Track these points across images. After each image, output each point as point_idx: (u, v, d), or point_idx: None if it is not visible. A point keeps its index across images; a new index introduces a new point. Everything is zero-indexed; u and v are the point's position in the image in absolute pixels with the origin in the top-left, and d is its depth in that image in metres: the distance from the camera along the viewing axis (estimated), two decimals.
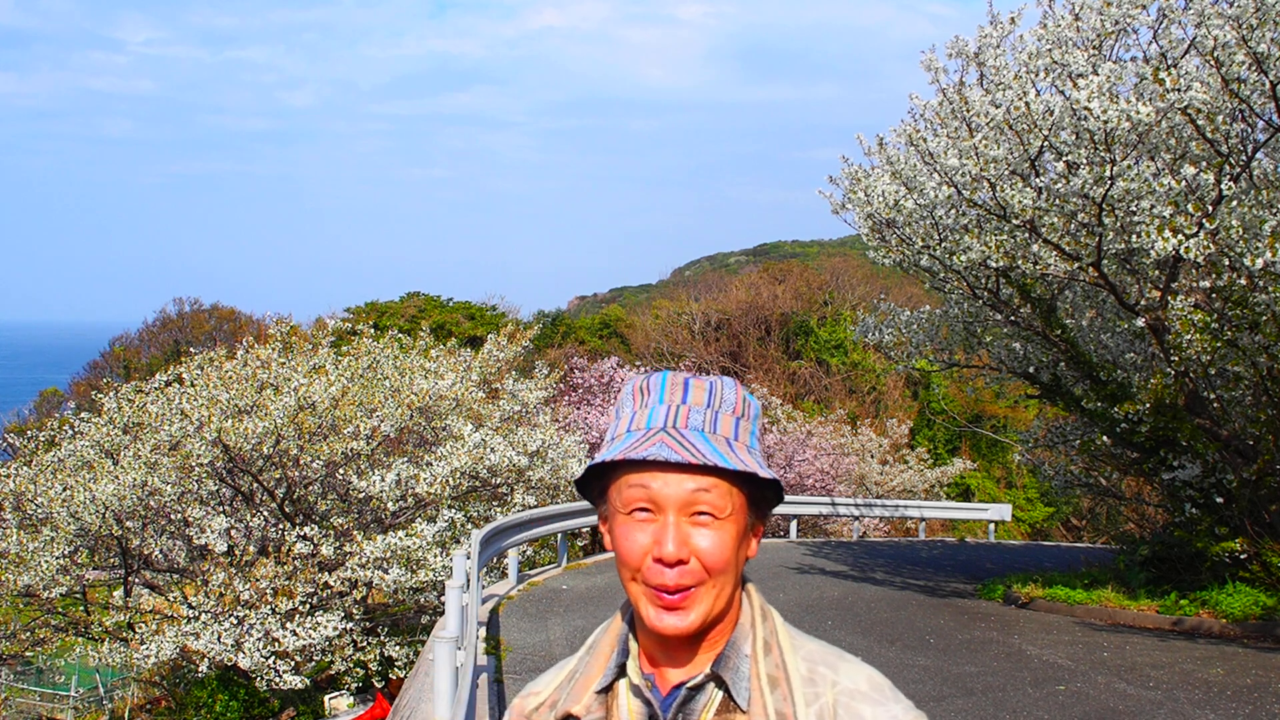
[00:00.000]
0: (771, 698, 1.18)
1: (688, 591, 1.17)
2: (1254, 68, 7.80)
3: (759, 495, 1.22)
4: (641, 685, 1.22)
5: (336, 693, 11.93)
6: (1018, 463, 23.76)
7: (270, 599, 10.88)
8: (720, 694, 1.20)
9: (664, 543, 1.16)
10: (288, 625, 10.77)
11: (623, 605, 1.30)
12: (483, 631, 8.74)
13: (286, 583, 11.00)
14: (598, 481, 1.25)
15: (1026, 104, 8.72)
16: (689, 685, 1.20)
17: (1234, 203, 8.27)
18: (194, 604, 11.08)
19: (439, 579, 11.26)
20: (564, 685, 1.27)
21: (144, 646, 10.84)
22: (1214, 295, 9.05)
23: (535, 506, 13.35)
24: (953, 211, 9.87)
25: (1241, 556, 9.63)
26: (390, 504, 12.16)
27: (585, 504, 13.62)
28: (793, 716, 1.17)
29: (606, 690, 1.24)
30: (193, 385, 12.61)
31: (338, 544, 11.48)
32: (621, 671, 1.24)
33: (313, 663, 11.84)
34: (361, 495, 12.33)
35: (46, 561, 11.64)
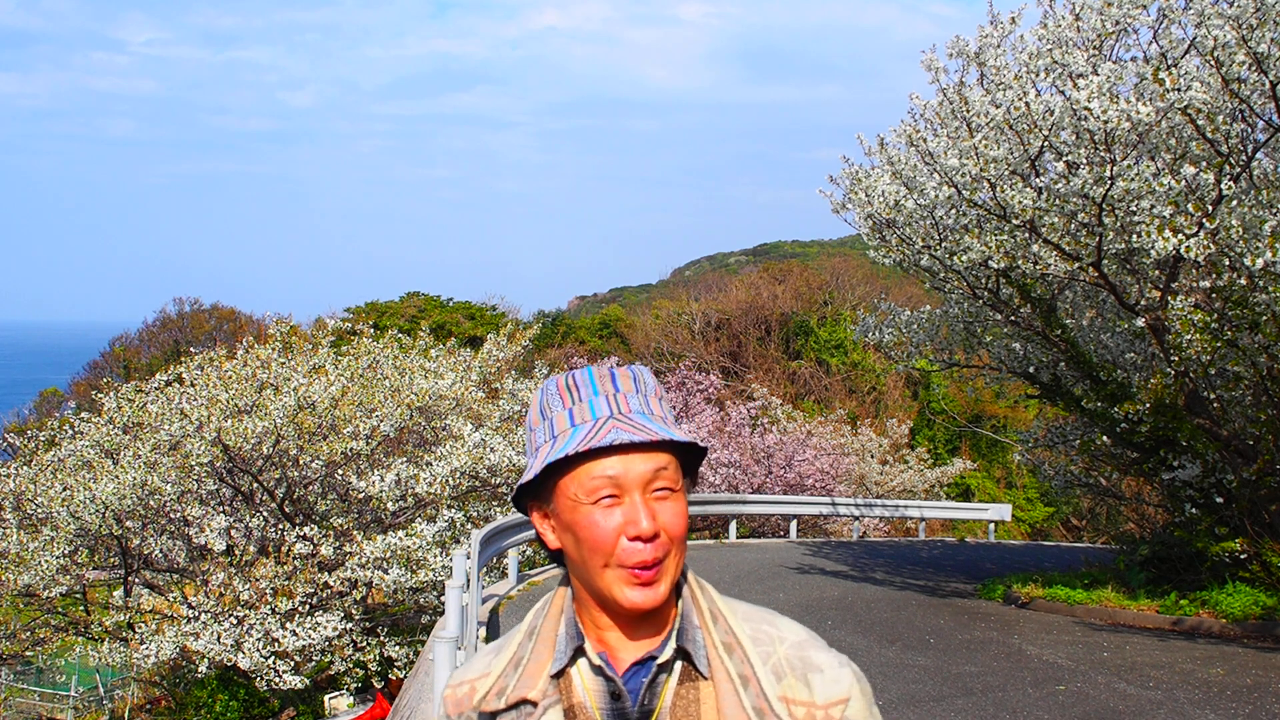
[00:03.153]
0: (730, 662, 1.26)
1: (659, 564, 1.23)
2: (1254, 68, 7.80)
3: (690, 465, 1.31)
4: (603, 665, 1.26)
5: (336, 693, 11.94)
6: (1018, 463, 23.76)
7: (270, 599, 10.88)
8: (680, 666, 1.26)
9: (638, 520, 1.22)
10: (288, 625, 10.77)
11: (560, 591, 1.33)
12: (483, 631, 8.74)
13: (286, 583, 11.00)
14: (540, 485, 1.28)
15: (1026, 104, 8.72)
16: (660, 660, 1.26)
17: (1234, 203, 8.27)
18: (194, 604, 11.08)
19: (439, 579, 11.26)
20: (509, 672, 1.30)
21: (144, 646, 10.85)
22: (1214, 295, 9.04)
23: None
24: (953, 211, 9.87)
25: (1241, 556, 9.63)
26: (390, 504, 12.16)
27: None
28: (753, 675, 1.25)
29: (558, 675, 1.28)
30: (193, 385, 12.62)
31: (338, 544, 11.48)
32: (578, 654, 1.28)
33: (313, 663, 11.84)
34: (361, 495, 12.33)
35: (46, 561, 11.65)
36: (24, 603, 13.07)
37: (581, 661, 1.28)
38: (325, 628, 10.79)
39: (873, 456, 24.45)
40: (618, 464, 1.23)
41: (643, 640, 1.27)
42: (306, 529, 11.46)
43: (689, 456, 1.30)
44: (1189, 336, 8.62)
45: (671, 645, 1.26)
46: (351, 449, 12.26)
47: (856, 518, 20.04)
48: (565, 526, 1.26)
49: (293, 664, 10.85)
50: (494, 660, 1.33)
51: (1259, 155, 8.68)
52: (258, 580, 10.92)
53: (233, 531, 12.04)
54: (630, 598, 1.22)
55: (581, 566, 1.26)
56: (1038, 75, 9.02)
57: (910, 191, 10.01)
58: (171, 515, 12.42)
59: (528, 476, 1.28)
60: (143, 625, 11.17)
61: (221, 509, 12.27)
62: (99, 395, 13.62)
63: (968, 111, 9.36)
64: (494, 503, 14.03)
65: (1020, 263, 9.62)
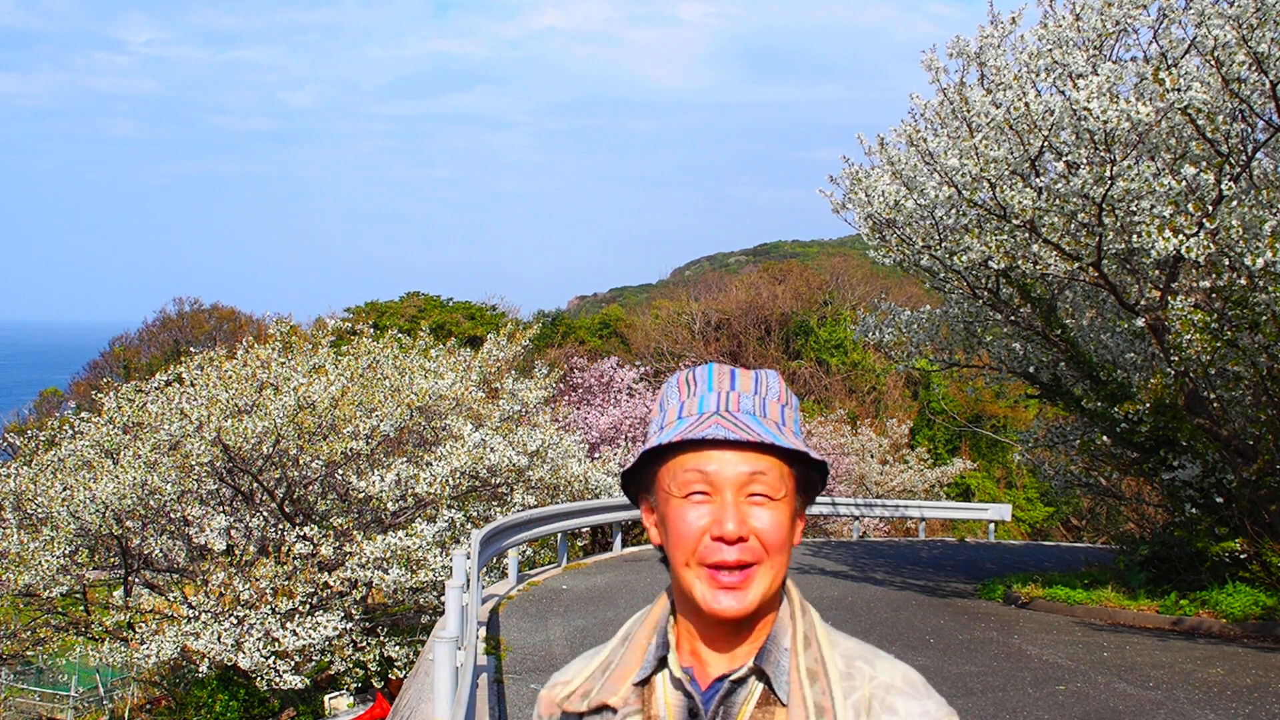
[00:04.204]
0: (811, 691, 1.19)
1: (748, 570, 1.18)
2: (1254, 68, 7.80)
3: (806, 479, 1.25)
4: (683, 678, 1.23)
5: (336, 693, 11.94)
6: (1018, 463, 23.76)
7: (270, 599, 10.88)
8: (760, 687, 1.21)
9: (724, 521, 1.18)
10: (288, 625, 10.77)
11: (661, 599, 1.30)
12: (483, 631, 8.74)
13: (286, 583, 11.00)
14: (645, 472, 1.27)
15: (1027, 104, 8.72)
16: (732, 678, 1.21)
17: (1234, 203, 8.27)
18: (194, 604, 11.08)
19: (439, 579, 11.26)
20: (597, 675, 1.28)
21: (144, 646, 10.85)
22: (1214, 295, 9.04)
23: (535, 506, 13.35)
24: (953, 211, 9.86)
25: (1241, 556, 9.63)
26: (390, 504, 12.16)
27: (585, 504, 13.61)
28: (831, 709, 1.18)
29: (643, 683, 1.25)
30: (193, 385, 12.61)
31: (338, 544, 11.48)
32: (662, 664, 1.25)
33: (312, 663, 11.84)
34: (361, 495, 12.33)
35: (46, 561, 11.64)
36: (24, 603, 13.07)
37: (666, 672, 1.25)
38: (325, 628, 10.79)
39: (873, 456, 24.46)
40: (713, 460, 1.19)
41: (733, 653, 1.23)
42: (306, 529, 11.46)
43: (807, 471, 1.24)
44: (1189, 336, 8.62)
45: (749, 664, 1.22)
46: (351, 449, 12.26)
47: (856, 518, 20.05)
48: (660, 519, 1.24)
49: (293, 664, 10.85)
50: (588, 662, 1.31)
51: (1259, 155, 8.68)
52: (258, 580, 10.92)
53: (233, 531, 12.04)
54: (710, 600, 1.19)
55: (670, 562, 1.23)
56: (1038, 75, 9.03)
57: (910, 191, 10.01)
58: (171, 515, 12.42)
59: (629, 465, 1.27)
60: (143, 625, 11.17)
61: (221, 509, 12.27)
62: (99, 395, 13.61)
63: (968, 111, 9.36)
64: (494, 503, 14.03)
65: (1020, 263, 9.62)
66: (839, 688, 1.20)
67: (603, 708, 1.25)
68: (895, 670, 1.23)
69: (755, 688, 1.21)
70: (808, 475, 1.25)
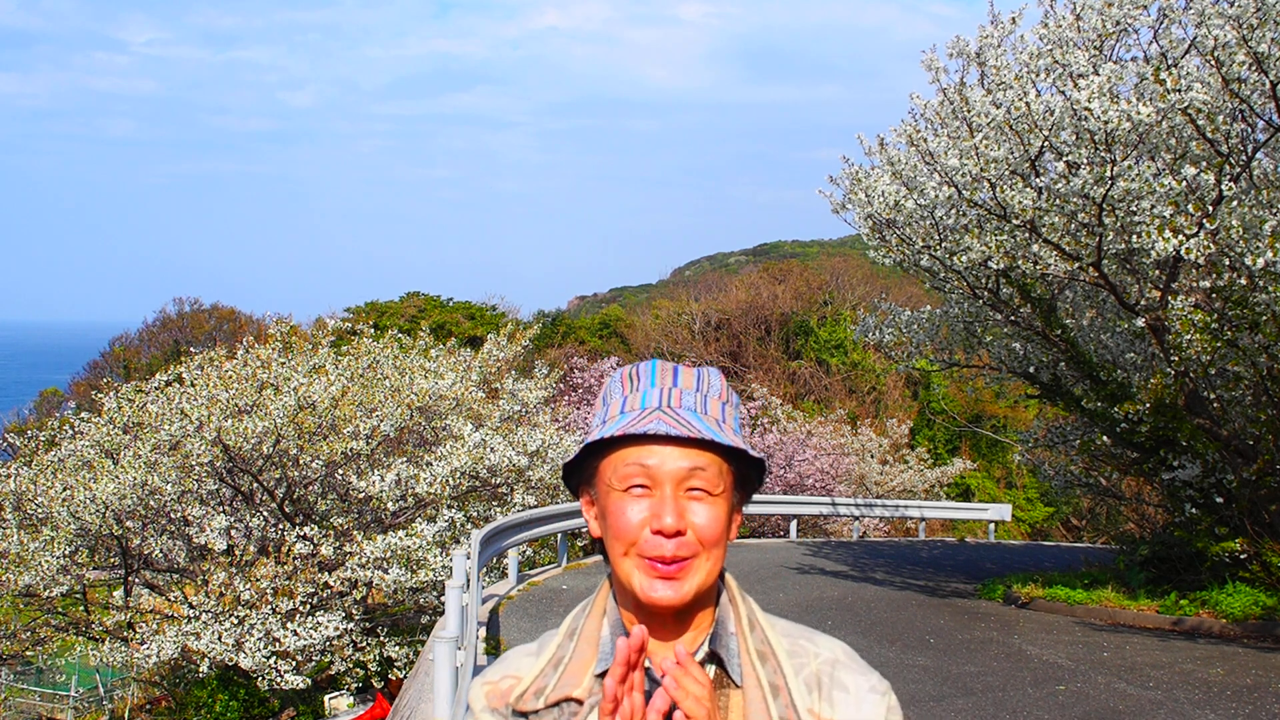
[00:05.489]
0: (763, 671, 1.24)
1: (684, 563, 1.21)
2: (1254, 68, 7.80)
3: (744, 476, 1.27)
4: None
5: (336, 693, 11.94)
6: (1018, 463, 23.75)
7: (270, 599, 10.88)
8: (713, 670, 1.24)
9: (663, 515, 1.20)
10: (288, 625, 10.77)
11: (602, 592, 1.31)
12: (483, 631, 8.74)
13: (286, 583, 11.01)
14: (586, 465, 1.29)
15: (1027, 104, 8.72)
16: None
17: (1234, 203, 8.27)
18: (194, 604, 11.08)
19: (439, 579, 11.26)
20: (549, 672, 1.27)
21: (144, 646, 10.85)
22: (1214, 295, 9.04)
23: (535, 506, 13.35)
24: (953, 212, 9.86)
25: (1241, 556, 9.63)
26: (390, 504, 12.16)
27: None
28: (784, 686, 1.23)
29: (604, 674, 1.24)
30: (193, 385, 12.61)
31: (338, 544, 11.48)
32: None
33: (313, 663, 11.84)
34: (361, 495, 12.33)
35: (47, 561, 11.64)
36: (24, 603, 13.07)
37: None
38: (326, 628, 10.79)
39: (873, 456, 24.45)
40: (654, 455, 1.21)
41: (675, 644, 1.24)
42: (306, 529, 11.46)
43: (745, 468, 1.27)
44: (1189, 336, 8.62)
45: (705, 649, 1.25)
46: (351, 449, 12.26)
47: (856, 518, 20.04)
48: (600, 512, 1.27)
49: (293, 664, 10.85)
50: (533, 660, 1.30)
51: (1259, 155, 8.68)
52: (258, 580, 10.92)
53: (233, 531, 12.03)
54: (647, 589, 1.21)
55: (609, 554, 1.26)
56: (1038, 75, 9.03)
57: (910, 191, 10.01)
58: (171, 515, 12.42)
59: (569, 458, 1.29)
60: (143, 625, 11.17)
61: (221, 509, 12.27)
62: (99, 395, 13.61)
63: (968, 111, 9.36)
64: (494, 503, 14.03)
65: (1020, 263, 9.62)
66: (789, 665, 1.25)
67: (566, 700, 1.24)
68: (835, 646, 1.29)
69: (708, 672, 1.24)
70: (746, 472, 1.27)
